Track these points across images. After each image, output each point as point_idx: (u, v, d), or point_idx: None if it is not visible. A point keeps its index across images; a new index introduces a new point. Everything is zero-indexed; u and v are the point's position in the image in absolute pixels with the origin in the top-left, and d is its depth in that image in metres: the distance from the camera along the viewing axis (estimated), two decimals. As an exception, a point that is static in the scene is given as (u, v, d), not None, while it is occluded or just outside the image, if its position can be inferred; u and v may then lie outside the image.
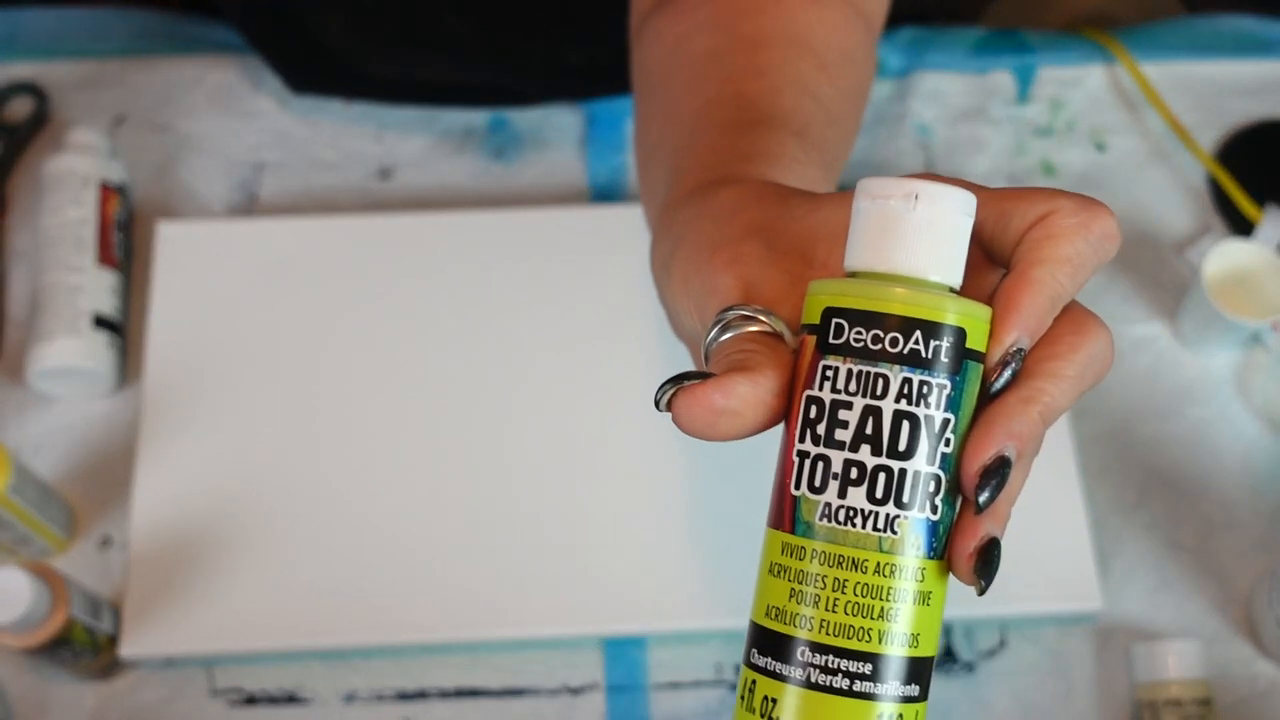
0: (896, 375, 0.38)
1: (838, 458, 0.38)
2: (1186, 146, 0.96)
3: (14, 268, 0.91)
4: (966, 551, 0.39)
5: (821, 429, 0.39)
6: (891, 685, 0.38)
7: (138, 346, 0.87)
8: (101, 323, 0.85)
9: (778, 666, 0.39)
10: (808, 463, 0.39)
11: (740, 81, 0.59)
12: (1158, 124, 0.98)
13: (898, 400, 0.38)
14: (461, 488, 0.81)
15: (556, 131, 0.97)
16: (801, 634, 0.38)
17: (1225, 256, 0.86)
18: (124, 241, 0.90)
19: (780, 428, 0.41)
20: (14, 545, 0.79)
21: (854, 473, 0.38)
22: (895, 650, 0.38)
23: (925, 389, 0.38)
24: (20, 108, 0.96)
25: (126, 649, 0.77)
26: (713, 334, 0.43)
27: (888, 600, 0.38)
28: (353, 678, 0.80)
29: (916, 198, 0.39)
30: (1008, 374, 0.39)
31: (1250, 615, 0.81)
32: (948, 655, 0.81)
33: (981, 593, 0.39)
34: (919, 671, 0.39)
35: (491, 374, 0.84)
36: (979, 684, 0.80)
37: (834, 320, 0.39)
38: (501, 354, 0.85)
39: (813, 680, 0.38)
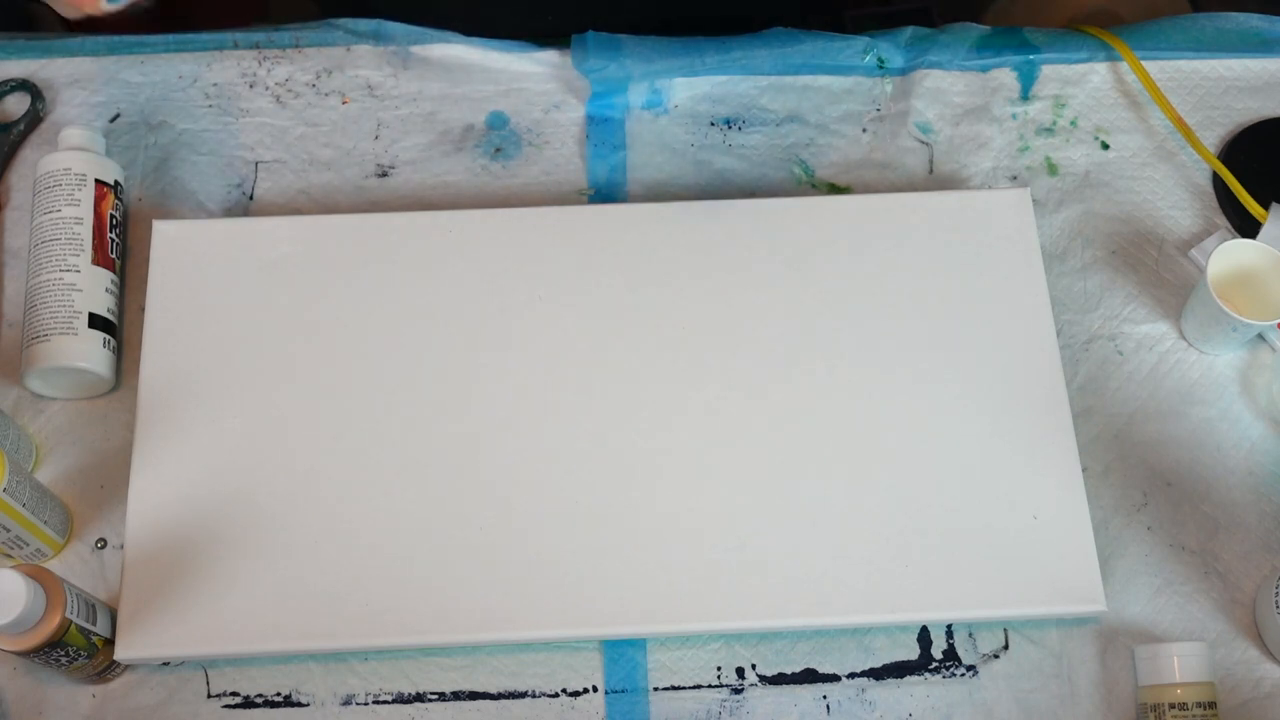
0: None
1: None
2: (1191, 145, 0.95)
3: (9, 267, 0.90)
4: None
5: None
6: None
7: (134, 346, 0.86)
8: (97, 322, 0.84)
9: None
10: None
11: None
12: (1162, 122, 0.97)
13: None
14: (459, 489, 0.81)
15: (556, 130, 0.96)
16: None
17: (1230, 256, 0.85)
18: (120, 240, 0.89)
19: None
20: (9, 547, 0.78)
21: None
22: None
23: None
24: (15, 105, 0.96)
25: (122, 651, 0.76)
26: None
27: None
28: (351, 680, 0.79)
29: None
30: None
31: (1255, 617, 0.81)
32: (950, 658, 0.80)
33: None
34: None
35: (490, 376, 0.84)
36: (982, 686, 0.79)
37: None
38: (500, 355, 0.84)
39: None
